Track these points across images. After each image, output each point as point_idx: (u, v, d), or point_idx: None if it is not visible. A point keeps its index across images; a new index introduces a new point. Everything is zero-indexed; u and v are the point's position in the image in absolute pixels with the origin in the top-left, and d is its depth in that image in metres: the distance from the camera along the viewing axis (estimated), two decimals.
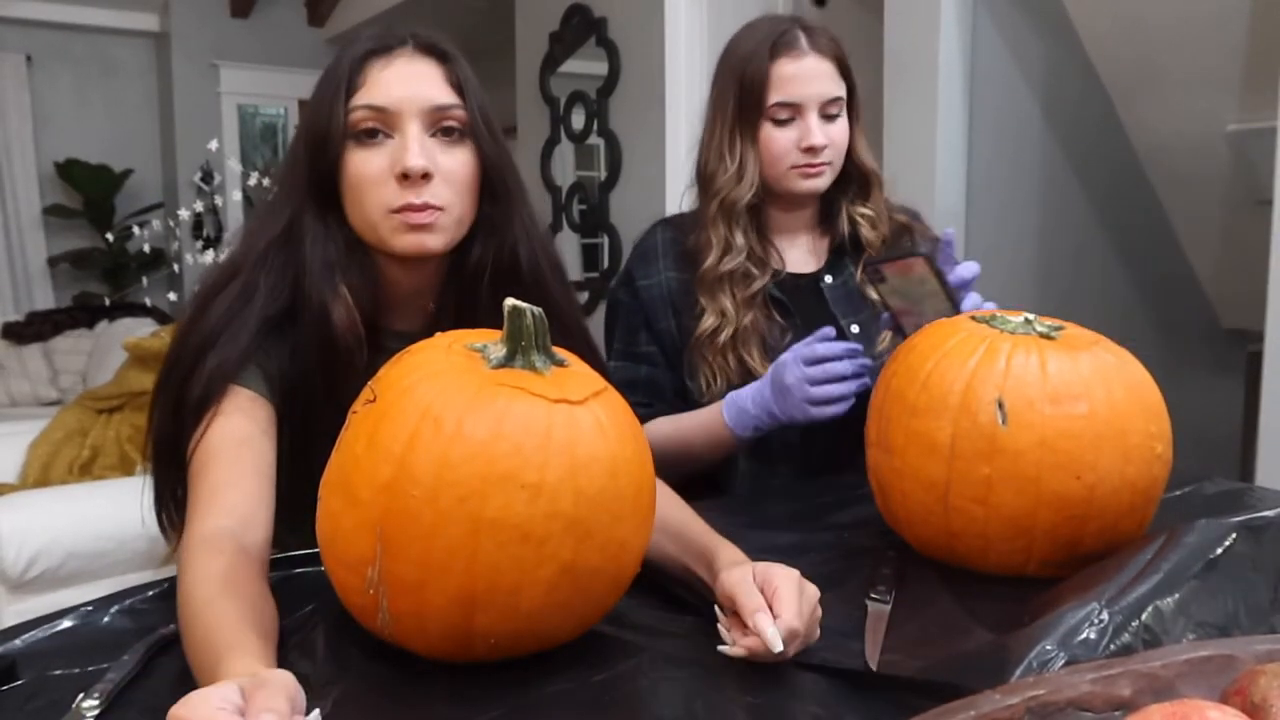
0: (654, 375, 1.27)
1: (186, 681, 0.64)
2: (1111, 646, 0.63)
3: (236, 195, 4.10)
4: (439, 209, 0.88)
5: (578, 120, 3.43)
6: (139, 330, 4.00)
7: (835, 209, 1.29)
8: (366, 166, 0.88)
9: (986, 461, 0.80)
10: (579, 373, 0.71)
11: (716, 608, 0.73)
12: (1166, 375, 0.91)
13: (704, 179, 1.27)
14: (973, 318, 0.90)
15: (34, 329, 4.50)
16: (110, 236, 4.79)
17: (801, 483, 1.27)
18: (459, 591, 0.62)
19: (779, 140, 1.20)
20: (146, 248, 4.70)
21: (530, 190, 1.00)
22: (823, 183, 1.23)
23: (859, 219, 1.27)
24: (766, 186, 1.24)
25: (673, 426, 1.20)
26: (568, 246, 3.53)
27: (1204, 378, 2.96)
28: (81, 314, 4.66)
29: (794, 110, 1.19)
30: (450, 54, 0.92)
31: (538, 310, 0.68)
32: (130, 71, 5.34)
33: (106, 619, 0.76)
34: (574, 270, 3.56)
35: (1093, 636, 0.63)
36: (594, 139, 3.37)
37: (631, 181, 3.23)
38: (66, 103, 5.18)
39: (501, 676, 0.66)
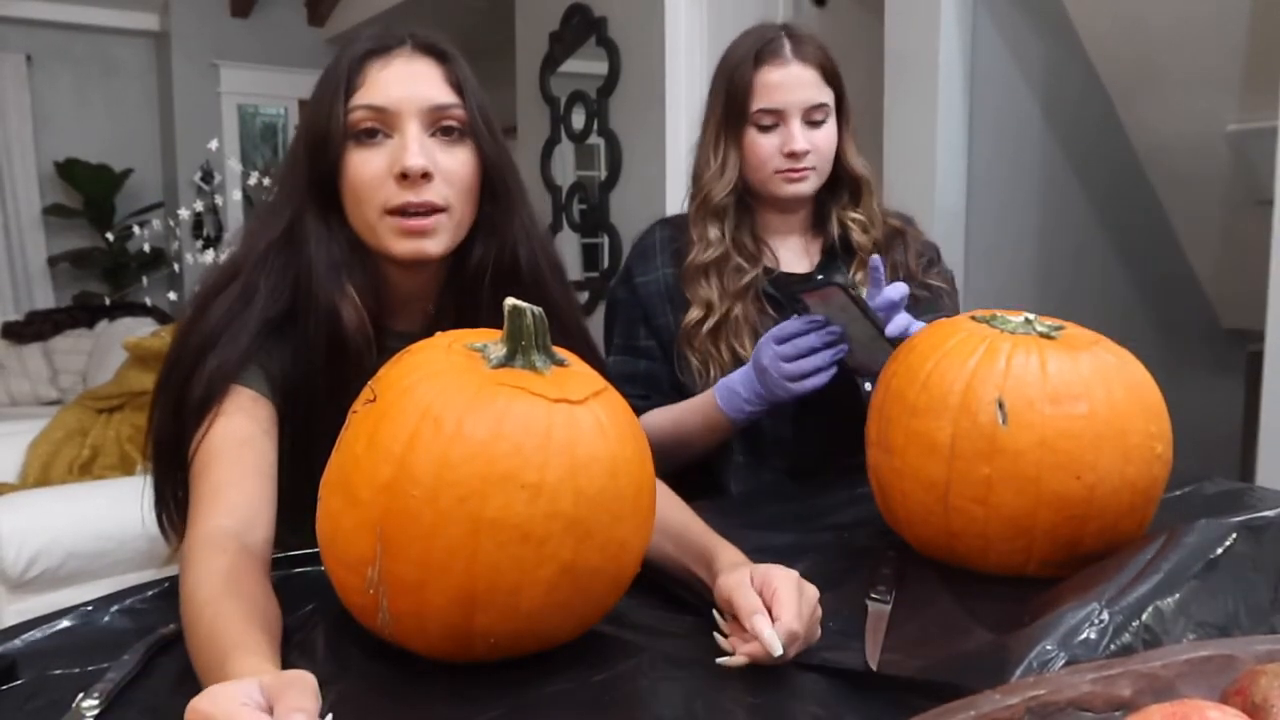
0: (652, 369, 1.30)
1: (186, 681, 0.64)
2: (1112, 646, 0.63)
3: (236, 195, 4.09)
4: (440, 209, 0.88)
5: (578, 120, 3.43)
6: (139, 330, 4.00)
7: (826, 213, 1.32)
8: (366, 167, 0.88)
9: (986, 461, 0.80)
10: (579, 372, 0.71)
11: (715, 612, 0.72)
12: (1166, 375, 0.91)
13: (693, 179, 1.32)
14: (973, 318, 0.90)
15: (34, 328, 4.50)
16: (110, 236, 4.79)
17: (794, 478, 1.28)
18: (459, 591, 0.62)
19: (763, 145, 1.24)
20: (146, 247, 4.70)
21: (530, 190, 1.00)
22: (806, 187, 1.26)
23: (850, 223, 1.30)
24: (754, 190, 1.29)
25: (669, 415, 1.23)
26: (568, 246, 3.53)
27: (1204, 378, 2.96)
28: (81, 314, 4.66)
29: (777, 116, 1.23)
30: (449, 54, 0.92)
31: (538, 310, 0.68)
32: (130, 71, 5.34)
33: (106, 619, 0.76)
34: (574, 270, 3.56)
35: (1093, 636, 0.63)
36: (594, 139, 3.37)
37: (631, 181, 3.23)
38: (66, 102, 5.17)
39: (501, 676, 0.66)
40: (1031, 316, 0.87)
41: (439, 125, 0.89)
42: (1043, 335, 0.85)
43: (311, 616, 0.75)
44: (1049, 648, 0.62)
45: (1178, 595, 0.68)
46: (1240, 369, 2.96)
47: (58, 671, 0.67)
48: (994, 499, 0.80)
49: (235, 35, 5.28)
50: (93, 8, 5.08)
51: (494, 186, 0.93)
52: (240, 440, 0.82)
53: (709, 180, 1.27)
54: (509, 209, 0.95)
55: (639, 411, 0.74)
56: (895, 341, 1.04)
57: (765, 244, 1.31)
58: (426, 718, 0.63)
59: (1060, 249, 2.69)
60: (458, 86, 0.91)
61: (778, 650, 0.64)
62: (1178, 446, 0.84)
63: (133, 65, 5.34)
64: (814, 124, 1.23)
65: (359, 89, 0.88)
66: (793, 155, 1.22)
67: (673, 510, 0.86)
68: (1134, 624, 0.65)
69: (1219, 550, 0.72)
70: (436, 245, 0.89)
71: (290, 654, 0.69)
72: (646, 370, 1.30)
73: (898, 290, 1.08)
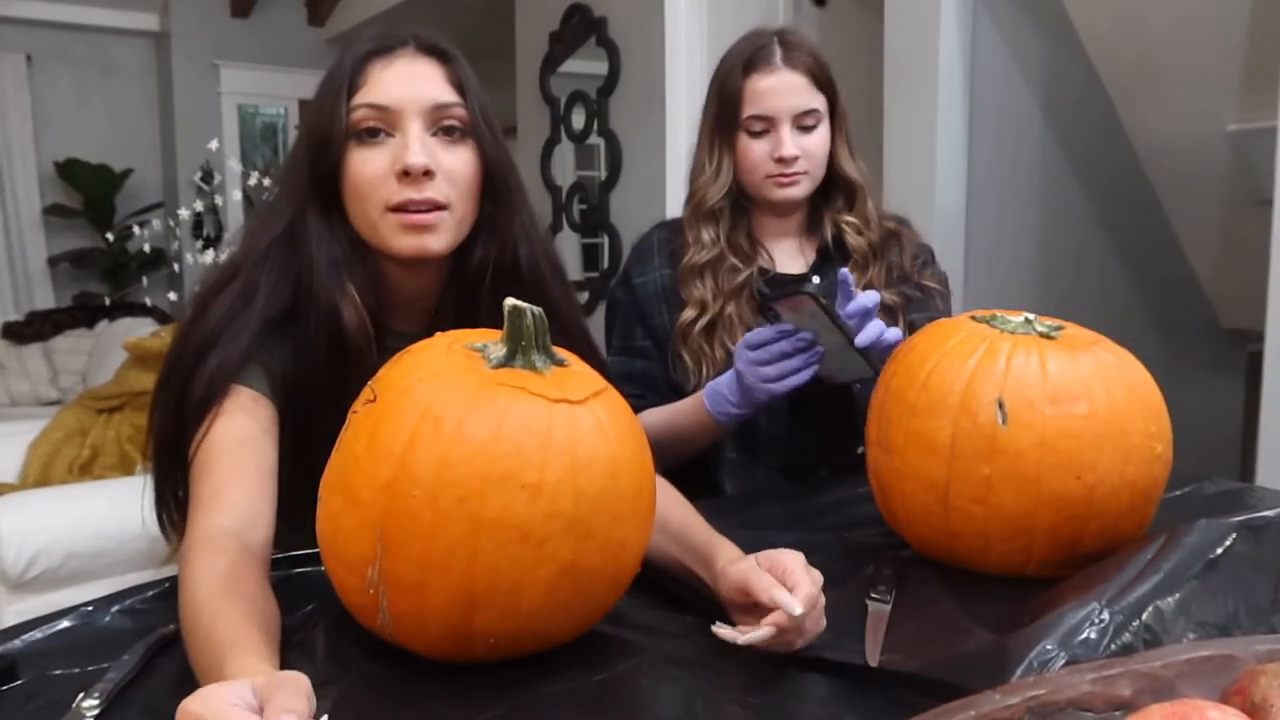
0: (648, 368, 1.31)
1: (186, 681, 0.64)
2: (1112, 646, 0.63)
3: (236, 195, 4.09)
4: (441, 206, 0.88)
5: (578, 120, 3.43)
6: (139, 330, 4.00)
7: (821, 216, 1.33)
8: (368, 165, 0.88)
9: (986, 461, 0.80)
10: (579, 372, 0.71)
11: (720, 624, 0.72)
12: (1166, 375, 0.91)
13: (690, 182, 1.35)
14: (973, 318, 0.90)
15: (34, 329, 4.50)
16: (110, 236, 4.79)
17: (788, 476, 1.29)
18: (459, 591, 0.62)
19: (754, 151, 1.26)
20: (146, 247, 4.70)
21: (530, 190, 1.00)
22: (798, 191, 1.27)
23: (845, 226, 1.31)
24: (748, 194, 1.31)
25: (662, 415, 1.25)
26: (568, 246, 3.53)
27: (1204, 378, 2.96)
28: (81, 314, 4.66)
29: (767, 123, 1.25)
30: (451, 54, 0.93)
31: (538, 310, 0.68)
32: (130, 71, 5.34)
33: (106, 619, 0.76)
34: (574, 270, 3.56)
35: (1093, 636, 0.63)
36: (594, 139, 3.37)
37: (631, 181, 3.23)
38: (67, 102, 5.17)
39: (501, 676, 0.66)
40: (1031, 316, 0.87)
41: (440, 125, 0.89)
42: (1043, 335, 0.85)
43: (311, 616, 0.75)
44: (1049, 647, 0.62)
45: (1178, 595, 0.68)
46: (1240, 369, 2.96)
47: (58, 671, 0.67)
48: (994, 499, 0.80)
49: (235, 35, 5.28)
50: (93, 8, 5.08)
51: (495, 186, 0.94)
52: (241, 440, 0.82)
53: (703, 184, 1.30)
54: (510, 209, 0.95)
55: (634, 410, 0.75)
56: (866, 351, 1.05)
57: (761, 245, 1.32)
58: (426, 718, 0.63)
59: (1060, 249, 2.69)
60: (459, 86, 0.91)
61: (798, 609, 0.66)
62: (1178, 446, 0.84)
63: (133, 65, 5.34)
64: (805, 129, 1.25)
65: (361, 88, 0.89)
66: (782, 161, 1.24)
67: (674, 508, 0.86)
68: (1134, 624, 0.65)
69: (1219, 550, 0.72)
70: (438, 242, 0.89)
71: (290, 654, 0.69)
72: (642, 369, 1.31)
73: (870, 298, 1.08)
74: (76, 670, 0.67)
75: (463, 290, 0.96)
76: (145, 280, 4.93)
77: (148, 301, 4.81)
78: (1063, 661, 0.61)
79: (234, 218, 4.79)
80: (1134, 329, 2.75)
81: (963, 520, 0.82)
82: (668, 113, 2.97)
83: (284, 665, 0.68)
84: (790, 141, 1.23)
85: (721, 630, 0.70)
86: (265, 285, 0.89)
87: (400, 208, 0.88)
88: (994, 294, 2.45)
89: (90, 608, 0.77)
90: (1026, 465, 0.79)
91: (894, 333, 1.07)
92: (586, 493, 0.64)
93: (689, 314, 1.27)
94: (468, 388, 0.65)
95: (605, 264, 3.42)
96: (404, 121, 0.88)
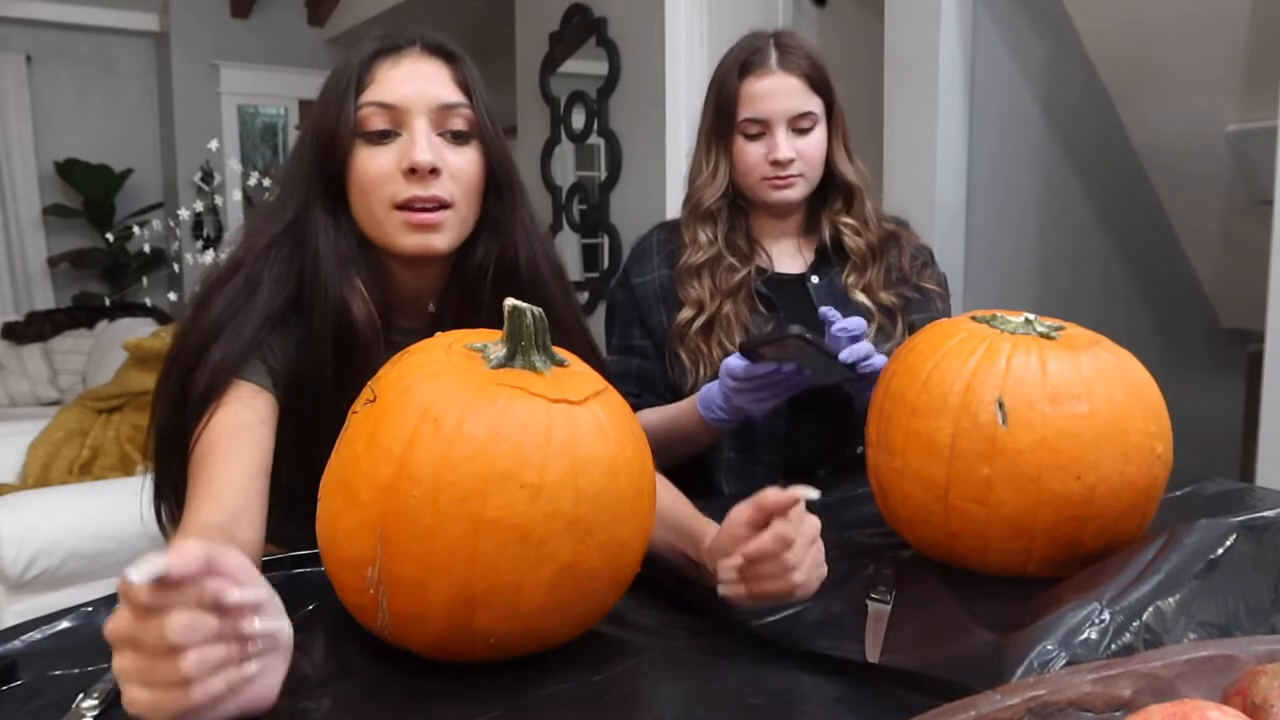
0: (645, 368, 1.32)
1: None
2: (1113, 646, 0.63)
3: (236, 195, 4.10)
4: (447, 205, 0.89)
5: (578, 120, 3.43)
6: (139, 330, 4.00)
7: (819, 217, 1.33)
8: (374, 162, 0.89)
9: (987, 461, 0.80)
10: (579, 373, 0.71)
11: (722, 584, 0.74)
12: (1166, 375, 0.91)
13: (688, 184, 1.35)
14: (973, 318, 0.90)
15: (34, 329, 4.49)
16: (110, 236, 4.79)
17: (787, 474, 1.28)
18: (459, 591, 0.62)
19: (750, 153, 1.26)
20: (146, 248, 4.71)
21: (530, 190, 1.01)
22: (793, 194, 1.27)
23: (843, 228, 1.31)
24: (745, 195, 1.31)
25: (658, 415, 1.25)
26: (568, 246, 3.53)
27: (1204, 378, 2.96)
28: (81, 314, 4.65)
29: (762, 125, 1.25)
30: (457, 55, 0.94)
31: (538, 310, 0.68)
32: (130, 71, 5.34)
33: (106, 619, 0.76)
34: (574, 270, 3.56)
35: (1094, 637, 0.63)
36: (594, 139, 3.37)
37: (631, 181, 3.23)
38: (66, 102, 5.17)
39: (501, 676, 0.66)
40: (1031, 317, 0.87)
41: (446, 126, 0.91)
42: (1043, 335, 0.85)
43: (311, 616, 0.75)
44: (1049, 648, 0.62)
45: (1178, 595, 0.68)
46: (1240, 369, 2.97)
47: (58, 672, 0.67)
48: (994, 499, 0.80)
49: (235, 35, 5.28)
50: (92, 8, 5.08)
51: (499, 186, 0.95)
52: (236, 430, 0.82)
53: (701, 185, 1.30)
54: (512, 209, 0.96)
55: (631, 409, 0.75)
56: (852, 367, 1.04)
57: (759, 245, 1.32)
58: (426, 718, 0.63)
59: (1060, 249, 2.69)
60: (465, 87, 0.92)
61: (814, 493, 0.69)
62: (1178, 446, 0.84)
63: (133, 65, 5.34)
64: (801, 132, 1.25)
65: (369, 87, 0.90)
66: (777, 163, 1.24)
67: (663, 493, 0.87)
68: (1135, 624, 0.65)
69: (1219, 550, 0.72)
70: (442, 240, 0.90)
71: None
72: (640, 369, 1.31)
73: (856, 323, 1.05)
74: (76, 670, 0.67)
75: (464, 289, 0.97)
76: (145, 280, 4.93)
77: (148, 302, 4.81)
78: (1063, 662, 0.61)
79: (234, 218, 4.79)
80: (1134, 329, 2.76)
81: (963, 520, 0.82)
82: (668, 113, 2.97)
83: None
84: (785, 144, 1.24)
85: (724, 571, 0.71)
86: (268, 279, 0.89)
87: (406, 205, 0.89)
88: (994, 294, 2.45)
89: (90, 608, 0.77)
90: (1027, 465, 0.79)
91: (880, 360, 1.06)
92: (586, 493, 0.64)
93: (686, 314, 1.27)
94: (468, 388, 0.65)
95: (605, 264, 3.42)
96: (411, 120, 0.89)
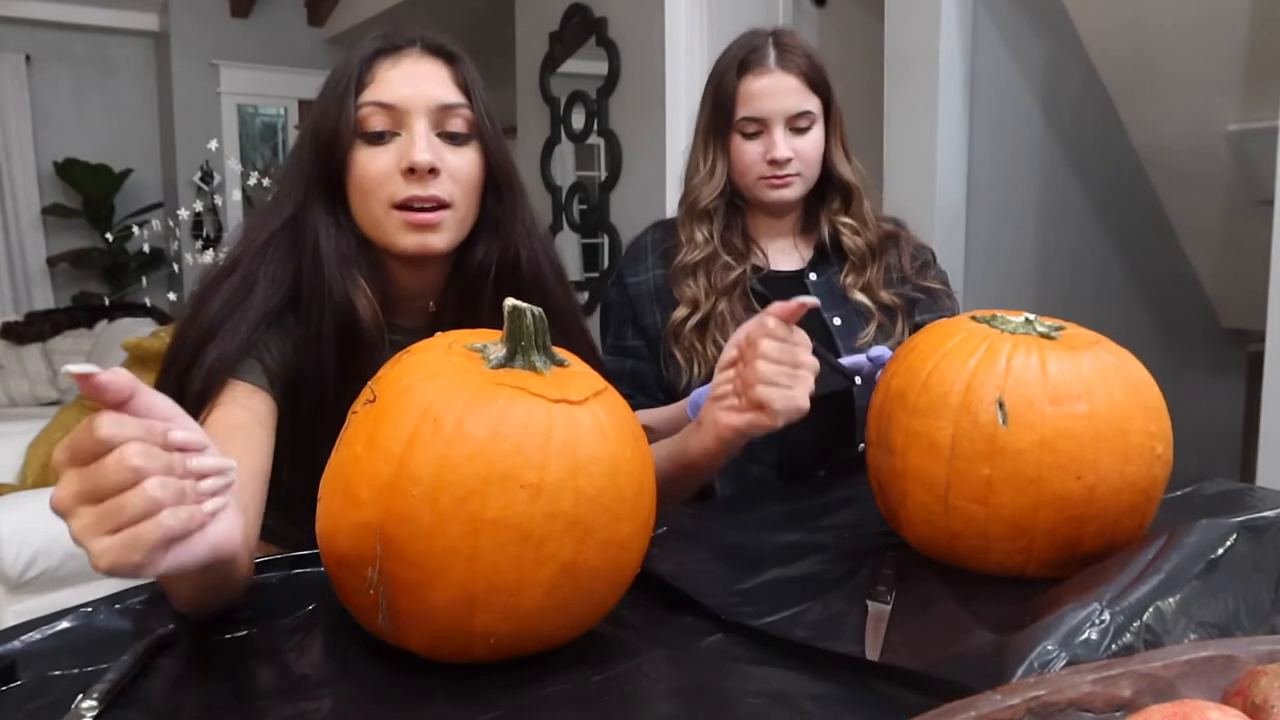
0: (638, 368, 1.31)
1: (186, 681, 0.64)
2: (1113, 647, 0.63)
3: (236, 195, 4.10)
4: (446, 205, 0.89)
5: (578, 120, 3.43)
6: (139, 330, 4.00)
7: (817, 216, 1.33)
8: (373, 162, 0.89)
9: (987, 461, 0.80)
10: (579, 373, 0.71)
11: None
12: (1166, 375, 0.91)
13: (684, 182, 1.35)
14: (973, 318, 0.90)
15: (33, 329, 4.49)
16: (110, 236, 4.79)
17: (782, 474, 1.28)
18: (459, 591, 0.62)
19: (748, 152, 1.26)
20: (146, 247, 4.71)
21: (530, 190, 1.01)
22: (791, 193, 1.27)
23: (841, 227, 1.31)
24: (742, 194, 1.31)
25: (649, 417, 1.24)
26: (568, 246, 3.53)
27: (1204, 378, 2.96)
28: (81, 314, 4.66)
29: (760, 124, 1.25)
30: (457, 55, 0.94)
31: (538, 310, 0.68)
32: (130, 71, 5.34)
33: (105, 619, 0.76)
34: (574, 270, 3.56)
35: (1094, 637, 0.63)
36: (594, 139, 3.37)
37: (631, 181, 3.23)
38: (66, 102, 5.18)
39: (501, 676, 0.66)
40: (1032, 316, 0.87)
41: (445, 126, 0.91)
42: (1043, 335, 0.85)
43: (311, 616, 0.75)
44: (1050, 648, 0.62)
45: (1179, 596, 0.67)
46: (1240, 369, 2.97)
47: (57, 672, 0.67)
48: (994, 499, 0.80)
49: (235, 35, 5.28)
50: (92, 8, 5.08)
51: (498, 186, 0.95)
52: (231, 434, 0.82)
53: (697, 184, 1.30)
54: (512, 209, 0.96)
55: None
56: (850, 377, 1.05)
57: (755, 244, 1.32)
58: (426, 718, 0.63)
59: (1060, 249, 2.69)
60: (465, 88, 0.92)
61: (813, 301, 0.78)
62: (1178, 446, 0.84)
63: (132, 65, 5.34)
64: (798, 131, 1.25)
65: (368, 86, 0.90)
66: (775, 163, 1.24)
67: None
68: (1135, 624, 0.65)
69: (1220, 550, 0.72)
70: (441, 240, 0.90)
71: (290, 654, 0.69)
72: (633, 369, 1.31)
73: (879, 352, 1.08)
74: (76, 671, 0.67)
75: (464, 288, 0.97)
76: (145, 280, 4.93)
77: (147, 302, 4.82)
78: (1063, 662, 0.61)
79: (233, 218, 4.80)
80: (1134, 329, 2.76)
81: (963, 520, 0.82)
82: (668, 113, 2.98)
83: (284, 665, 0.68)
84: (783, 143, 1.23)
85: (718, 388, 0.79)
86: (264, 278, 0.89)
87: (405, 205, 0.89)
88: (994, 294, 2.45)
89: (89, 608, 0.77)
90: (1027, 465, 0.79)
91: (881, 351, 1.07)
92: (586, 493, 0.64)
93: (681, 312, 1.27)
94: (468, 388, 0.65)
95: (605, 264, 3.43)
96: (410, 120, 0.89)
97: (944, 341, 0.86)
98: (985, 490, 0.80)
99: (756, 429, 0.90)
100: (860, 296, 1.28)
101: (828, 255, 1.32)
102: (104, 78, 5.27)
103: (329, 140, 0.90)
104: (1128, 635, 0.64)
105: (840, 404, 1.21)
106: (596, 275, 3.48)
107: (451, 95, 0.91)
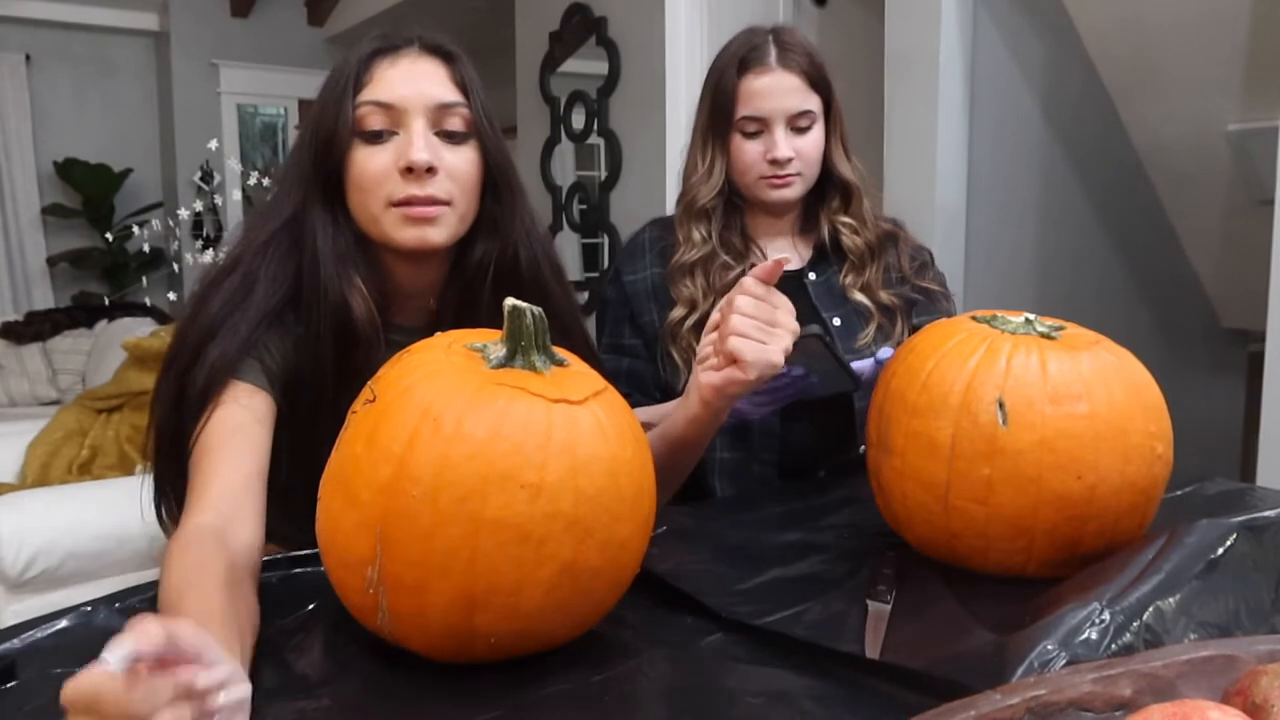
0: (635, 367, 1.31)
1: None
2: (1113, 646, 0.63)
3: (236, 195, 4.10)
4: (444, 203, 0.90)
5: (578, 120, 3.43)
6: (138, 330, 4.00)
7: (816, 215, 1.33)
8: (371, 162, 0.89)
9: (987, 461, 0.80)
10: (579, 372, 0.71)
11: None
12: (1166, 375, 0.91)
13: (682, 181, 1.34)
14: (973, 318, 0.90)
15: (33, 329, 4.49)
16: (109, 236, 4.79)
17: (782, 474, 1.28)
18: (459, 591, 0.62)
19: (748, 152, 1.25)
20: (146, 247, 4.70)
21: (530, 190, 1.01)
22: (791, 193, 1.27)
23: (840, 226, 1.31)
24: (741, 193, 1.30)
25: (647, 415, 1.23)
26: (568, 246, 3.53)
27: (1204, 378, 2.96)
28: (81, 314, 4.65)
29: (761, 124, 1.24)
30: (455, 54, 0.94)
31: (538, 310, 0.68)
32: (130, 71, 5.34)
33: (105, 619, 0.76)
34: (574, 270, 3.56)
35: (1094, 636, 0.63)
36: (594, 139, 3.37)
37: (631, 181, 3.23)
38: (65, 102, 5.17)
39: (501, 676, 0.66)
40: (1032, 316, 0.87)
41: (444, 125, 0.91)
42: (1043, 335, 0.85)
43: (311, 616, 0.75)
44: (1050, 648, 0.62)
45: (1179, 595, 0.67)
46: (1240, 369, 2.97)
47: (57, 671, 0.67)
48: (994, 499, 0.80)
49: (235, 35, 5.28)
50: (92, 7, 5.08)
51: (497, 186, 0.95)
52: (232, 431, 0.82)
53: (696, 183, 1.29)
54: (511, 208, 0.96)
55: None
56: (856, 380, 1.04)
57: (754, 243, 1.32)
58: (426, 718, 0.62)
59: (1060, 249, 2.69)
60: (463, 87, 0.93)
61: (786, 256, 0.80)
62: (1178, 446, 0.84)
63: (132, 65, 5.34)
64: (799, 130, 1.24)
65: (366, 86, 0.90)
66: (776, 162, 1.23)
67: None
68: (1135, 624, 0.65)
69: (1220, 550, 0.72)
70: (439, 234, 0.91)
71: (290, 654, 0.69)
72: (630, 368, 1.31)
73: (887, 353, 1.07)
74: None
75: (463, 287, 0.97)
76: (144, 280, 4.93)
77: (147, 301, 4.81)
78: (1063, 661, 0.61)
79: (233, 217, 4.80)
80: (1134, 329, 2.76)
81: (963, 520, 0.82)
82: (668, 113, 2.97)
83: (284, 665, 0.68)
84: (784, 143, 1.23)
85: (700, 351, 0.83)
86: (264, 277, 0.90)
87: (403, 204, 0.89)
88: (994, 294, 2.45)
89: (89, 608, 0.77)
90: (1027, 465, 0.79)
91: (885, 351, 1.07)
92: (586, 493, 0.64)
93: (678, 312, 1.26)
94: (467, 388, 0.65)
95: (605, 264, 3.43)
96: (408, 119, 0.89)
97: (944, 341, 0.86)
98: (985, 490, 0.80)
99: (733, 385, 0.91)
100: (860, 297, 1.28)
101: (827, 255, 1.32)
102: (104, 77, 5.26)
103: (327, 140, 0.90)
104: (1128, 635, 0.64)
105: (841, 404, 1.21)
106: (596, 275, 3.49)
107: (449, 94, 0.91)
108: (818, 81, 1.25)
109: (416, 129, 0.89)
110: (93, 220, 5.12)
